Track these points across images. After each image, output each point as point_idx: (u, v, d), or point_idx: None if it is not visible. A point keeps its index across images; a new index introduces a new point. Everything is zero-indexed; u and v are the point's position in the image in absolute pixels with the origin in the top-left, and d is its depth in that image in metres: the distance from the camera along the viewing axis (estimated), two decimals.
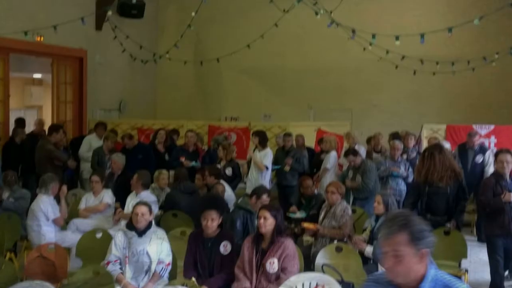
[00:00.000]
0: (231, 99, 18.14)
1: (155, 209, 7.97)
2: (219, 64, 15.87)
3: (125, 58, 15.95)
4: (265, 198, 7.46)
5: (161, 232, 6.34)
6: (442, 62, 14.31)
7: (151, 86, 18.69)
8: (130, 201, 8.32)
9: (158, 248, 6.12)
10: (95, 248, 7.03)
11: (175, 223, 8.03)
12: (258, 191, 7.65)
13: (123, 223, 7.63)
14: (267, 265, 5.62)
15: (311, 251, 7.26)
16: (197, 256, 6.06)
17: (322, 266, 6.20)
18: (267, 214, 5.75)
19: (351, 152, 10.01)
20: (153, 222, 6.40)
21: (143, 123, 15.27)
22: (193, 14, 13.31)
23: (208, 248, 6.05)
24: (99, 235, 7.24)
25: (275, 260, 5.63)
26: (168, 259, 6.16)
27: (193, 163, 11.11)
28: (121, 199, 8.87)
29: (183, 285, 5.75)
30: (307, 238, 7.63)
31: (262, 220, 5.74)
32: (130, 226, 6.21)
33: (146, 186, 8.59)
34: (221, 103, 18.38)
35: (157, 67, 17.70)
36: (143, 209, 6.17)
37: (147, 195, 8.30)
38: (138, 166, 9.72)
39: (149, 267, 6.09)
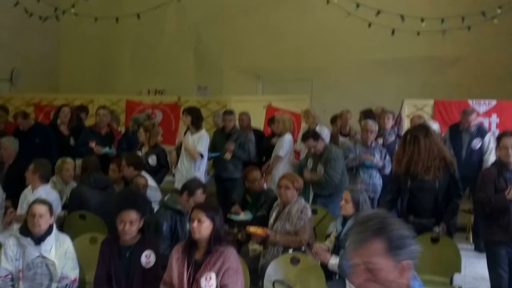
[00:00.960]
0: (155, 67, 18.05)
1: (57, 209, 7.90)
2: (139, 22, 15.69)
3: (19, 13, 15.61)
4: (199, 194, 7.47)
5: (64, 239, 6.27)
6: (429, 19, 14.11)
7: (52, 50, 18.53)
8: (25, 198, 8.25)
9: (61, 259, 6.08)
10: None
11: (83, 227, 7.96)
12: (191, 186, 7.62)
13: (15, 227, 7.55)
14: (202, 282, 5.58)
15: (259, 264, 7.29)
16: (112, 270, 6.01)
17: (273, 283, 6.20)
18: (202, 215, 5.69)
19: (311, 135, 9.99)
20: (55, 226, 6.35)
21: (42, 98, 15.13)
22: None
23: (125, 259, 6.02)
24: None
25: (213, 275, 5.58)
26: (74, 273, 6.17)
27: (106, 149, 11.01)
28: (13, 196, 8.80)
29: None
30: (254, 247, 7.64)
31: (195, 224, 5.67)
32: (25, 231, 6.14)
33: (45, 179, 8.47)
34: (142, 72, 18.26)
35: (60, 26, 17.45)
36: (41, 209, 6.13)
37: (46, 191, 8.19)
38: (35, 153, 9.69)
39: (50, 283, 6.04)
